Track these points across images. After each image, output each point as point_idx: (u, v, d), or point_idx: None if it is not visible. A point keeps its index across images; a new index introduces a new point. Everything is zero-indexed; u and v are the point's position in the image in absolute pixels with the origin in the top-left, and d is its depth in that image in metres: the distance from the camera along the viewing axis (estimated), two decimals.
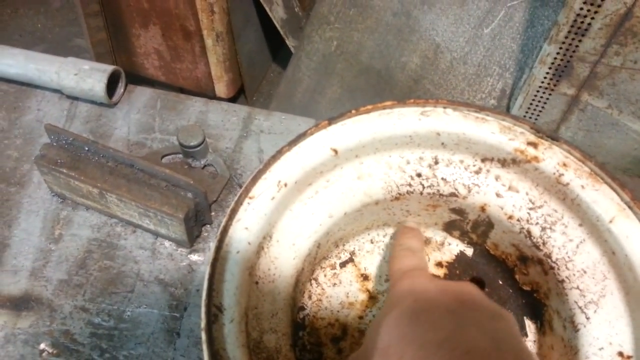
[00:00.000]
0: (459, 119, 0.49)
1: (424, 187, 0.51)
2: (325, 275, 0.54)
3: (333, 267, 0.55)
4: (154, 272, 0.69)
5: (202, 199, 0.67)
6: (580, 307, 0.45)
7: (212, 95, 1.65)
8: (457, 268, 0.55)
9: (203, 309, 0.40)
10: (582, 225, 0.47)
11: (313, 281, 0.54)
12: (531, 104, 1.27)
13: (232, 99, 1.69)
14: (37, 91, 0.83)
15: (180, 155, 0.76)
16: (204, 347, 0.38)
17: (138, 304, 0.68)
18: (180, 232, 0.67)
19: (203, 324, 0.39)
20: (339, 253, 0.56)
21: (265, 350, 0.42)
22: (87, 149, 0.69)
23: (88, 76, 0.78)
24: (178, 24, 1.51)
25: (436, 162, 0.51)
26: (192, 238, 0.70)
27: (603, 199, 0.45)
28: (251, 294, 0.43)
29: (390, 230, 0.57)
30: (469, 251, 0.56)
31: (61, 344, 0.65)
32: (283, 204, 0.47)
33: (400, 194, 0.52)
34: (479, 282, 0.55)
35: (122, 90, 0.81)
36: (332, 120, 0.49)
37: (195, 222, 0.69)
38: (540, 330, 0.51)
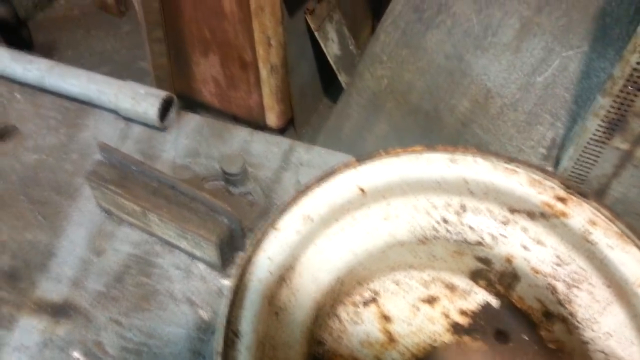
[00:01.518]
0: (488, 168, 0.49)
1: (450, 233, 0.52)
2: (347, 313, 0.55)
3: (355, 305, 0.56)
4: (186, 292, 0.72)
5: (237, 225, 0.70)
6: None
7: (262, 124, 1.70)
8: (482, 319, 0.55)
9: (221, 334, 0.41)
10: (609, 287, 0.46)
11: (335, 317, 0.55)
12: (582, 155, 1.25)
13: (282, 130, 1.73)
14: (96, 110, 0.89)
15: (222, 182, 0.79)
16: None
17: (168, 322, 0.70)
18: (214, 255, 0.70)
19: (219, 348, 0.41)
20: (362, 291, 0.56)
21: None
22: (134, 168, 0.74)
23: (143, 100, 0.83)
24: (236, 54, 1.58)
25: (463, 209, 0.52)
26: (224, 262, 0.72)
27: (632, 262, 0.44)
28: (269, 323, 0.45)
29: (415, 273, 0.57)
30: (495, 302, 0.56)
31: (93, 353, 0.68)
32: (308, 237, 0.49)
33: (426, 237, 0.52)
34: (504, 335, 0.54)
35: (173, 115, 0.86)
36: (361, 160, 0.51)
37: (229, 248, 0.72)
38: None
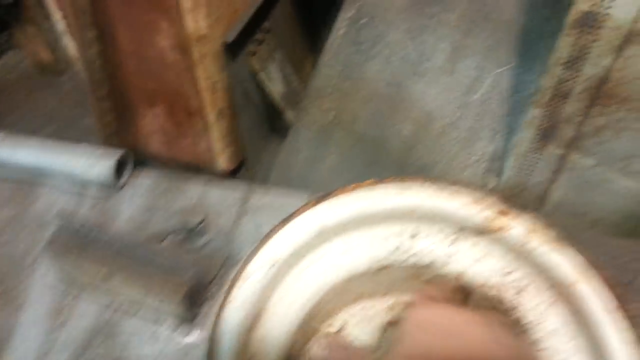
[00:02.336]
0: (433, 194, 0.54)
1: (405, 259, 0.56)
2: (317, 347, 0.58)
3: (326, 338, 0.59)
4: (154, 354, 0.73)
5: (200, 278, 0.72)
6: None
7: (214, 169, 1.72)
8: None
9: None
10: (551, 288, 0.51)
11: (307, 353, 0.58)
12: (522, 164, 1.34)
13: (234, 171, 1.76)
14: (49, 178, 0.90)
15: (182, 235, 0.81)
16: None
17: None
18: (180, 311, 0.72)
19: None
20: (330, 323, 0.60)
21: None
22: (93, 234, 0.75)
23: (97, 162, 0.85)
24: (182, 102, 1.61)
25: (416, 234, 0.56)
26: (191, 316, 0.74)
27: (567, 263, 0.50)
28: None
29: (378, 300, 0.61)
30: None
31: None
32: (274, 281, 0.52)
33: (384, 265, 0.57)
34: None
35: (128, 174, 0.88)
36: (318, 200, 0.55)
37: (195, 301, 0.74)
38: None
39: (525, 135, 1.28)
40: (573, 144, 1.28)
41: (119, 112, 1.62)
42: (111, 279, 0.73)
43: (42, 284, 0.80)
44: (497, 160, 1.40)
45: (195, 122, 1.64)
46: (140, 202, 0.87)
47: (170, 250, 0.72)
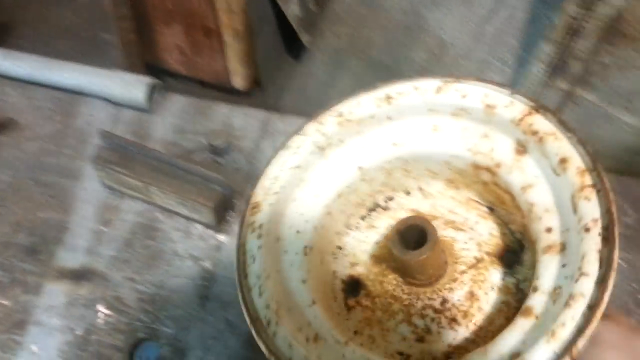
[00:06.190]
0: None
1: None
2: None
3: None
4: (188, 249, 0.90)
5: (228, 191, 0.88)
6: None
7: (229, 88, 1.85)
8: None
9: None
10: None
11: None
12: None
13: (248, 92, 1.88)
14: (87, 98, 1.04)
15: (209, 154, 0.96)
16: None
17: (175, 275, 0.89)
18: (211, 217, 0.88)
19: None
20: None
21: None
22: (134, 149, 0.90)
23: (132, 87, 0.99)
24: (199, 22, 1.71)
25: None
26: (219, 222, 0.90)
27: None
28: None
29: None
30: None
31: (114, 306, 0.87)
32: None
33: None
34: None
35: (159, 98, 1.02)
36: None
37: (222, 209, 0.90)
38: None
39: (535, 70, 1.39)
40: (580, 81, 1.38)
41: (139, 30, 1.73)
42: (148, 189, 0.89)
43: (88, 189, 0.96)
44: None
45: (211, 42, 1.75)
46: (171, 124, 1.02)
47: (200, 166, 0.86)
